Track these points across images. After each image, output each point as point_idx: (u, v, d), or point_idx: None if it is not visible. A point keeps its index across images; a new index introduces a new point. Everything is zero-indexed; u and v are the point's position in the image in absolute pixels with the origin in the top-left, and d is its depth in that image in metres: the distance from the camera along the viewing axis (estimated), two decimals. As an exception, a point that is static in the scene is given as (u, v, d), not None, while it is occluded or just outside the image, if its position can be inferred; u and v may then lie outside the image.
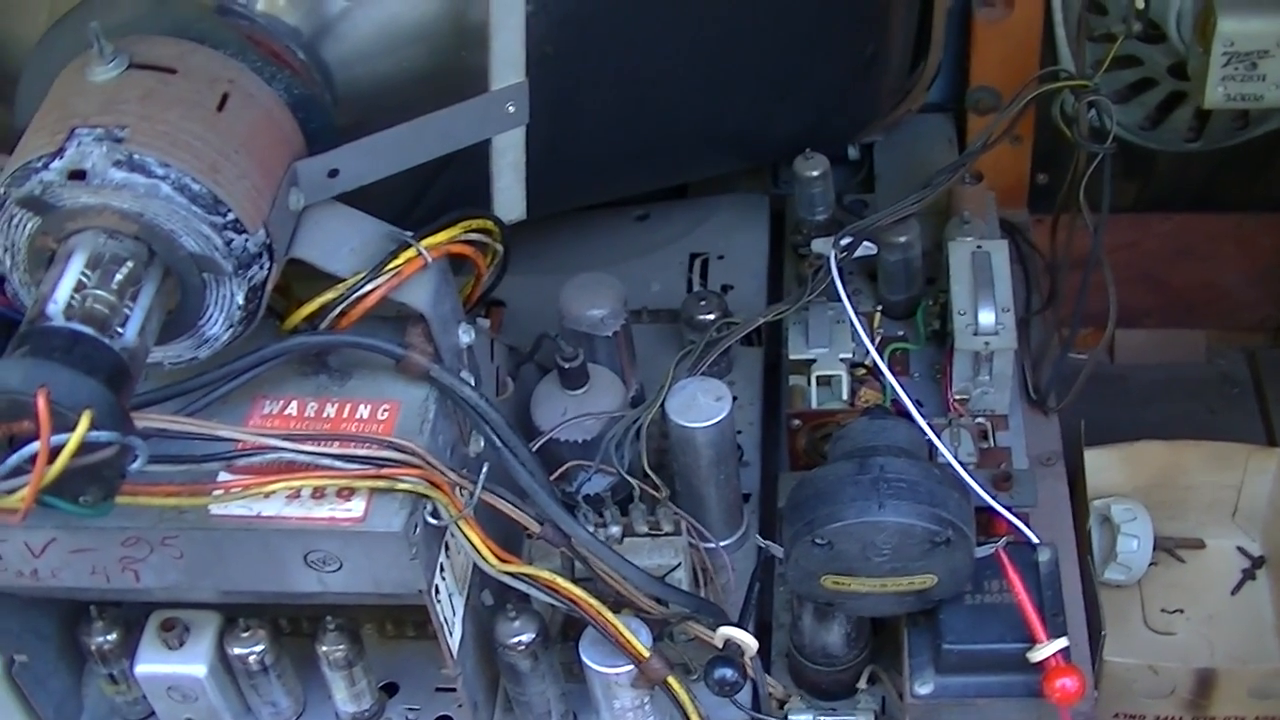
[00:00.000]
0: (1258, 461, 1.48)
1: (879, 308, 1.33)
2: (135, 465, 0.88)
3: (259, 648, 1.12)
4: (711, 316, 1.30)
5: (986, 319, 1.23)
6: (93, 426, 0.83)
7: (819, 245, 1.27)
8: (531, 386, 1.23)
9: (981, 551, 1.06)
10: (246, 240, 0.94)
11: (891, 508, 1.02)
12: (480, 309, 1.19)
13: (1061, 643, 1.04)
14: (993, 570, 1.08)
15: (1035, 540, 1.11)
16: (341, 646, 1.12)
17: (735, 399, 1.31)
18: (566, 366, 1.18)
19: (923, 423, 1.14)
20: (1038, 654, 1.04)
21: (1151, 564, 1.48)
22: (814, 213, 1.36)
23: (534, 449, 1.13)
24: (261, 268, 0.96)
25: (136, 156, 0.91)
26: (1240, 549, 1.52)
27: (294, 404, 1.04)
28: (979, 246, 1.27)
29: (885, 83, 1.44)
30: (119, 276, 0.91)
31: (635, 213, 1.52)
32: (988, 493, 1.12)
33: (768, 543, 1.09)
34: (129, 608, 1.14)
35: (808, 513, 1.03)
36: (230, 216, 0.93)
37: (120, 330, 0.90)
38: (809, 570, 1.05)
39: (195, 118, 0.95)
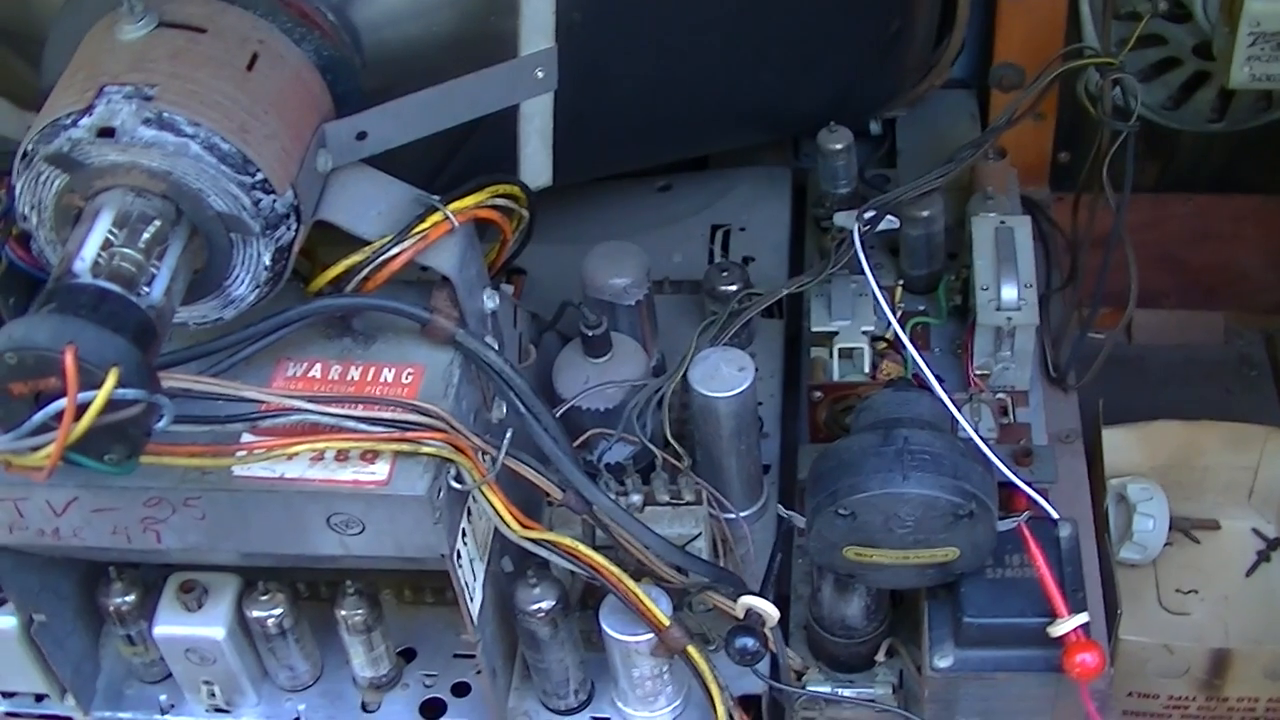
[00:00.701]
0: (1275, 443, 1.48)
1: (900, 282, 1.33)
2: (161, 424, 0.88)
3: (278, 611, 1.12)
4: (734, 288, 1.30)
5: (1009, 294, 1.22)
6: (120, 384, 0.83)
7: (842, 218, 1.27)
8: (553, 355, 1.23)
9: (1003, 526, 1.05)
10: (274, 201, 0.94)
11: (915, 479, 1.01)
12: (502, 276, 1.20)
13: (1082, 618, 1.04)
14: (1013, 545, 1.07)
15: (1056, 516, 1.11)
16: (360, 611, 1.12)
17: (756, 370, 1.31)
18: (590, 334, 1.18)
19: (944, 396, 1.13)
20: (1059, 628, 1.04)
21: (1167, 544, 1.47)
22: (837, 186, 1.35)
23: (558, 415, 1.13)
24: (289, 229, 0.96)
25: (166, 115, 0.91)
26: (1255, 530, 1.52)
27: (318, 366, 1.04)
28: (1002, 222, 1.26)
29: (909, 58, 1.43)
30: (146, 235, 0.91)
31: (657, 183, 1.52)
32: (1009, 468, 1.12)
33: (790, 513, 1.09)
34: (147, 569, 1.15)
35: (831, 483, 1.03)
36: (259, 176, 0.93)
37: (147, 289, 0.90)
38: (831, 541, 1.05)
39: (225, 77, 0.94)
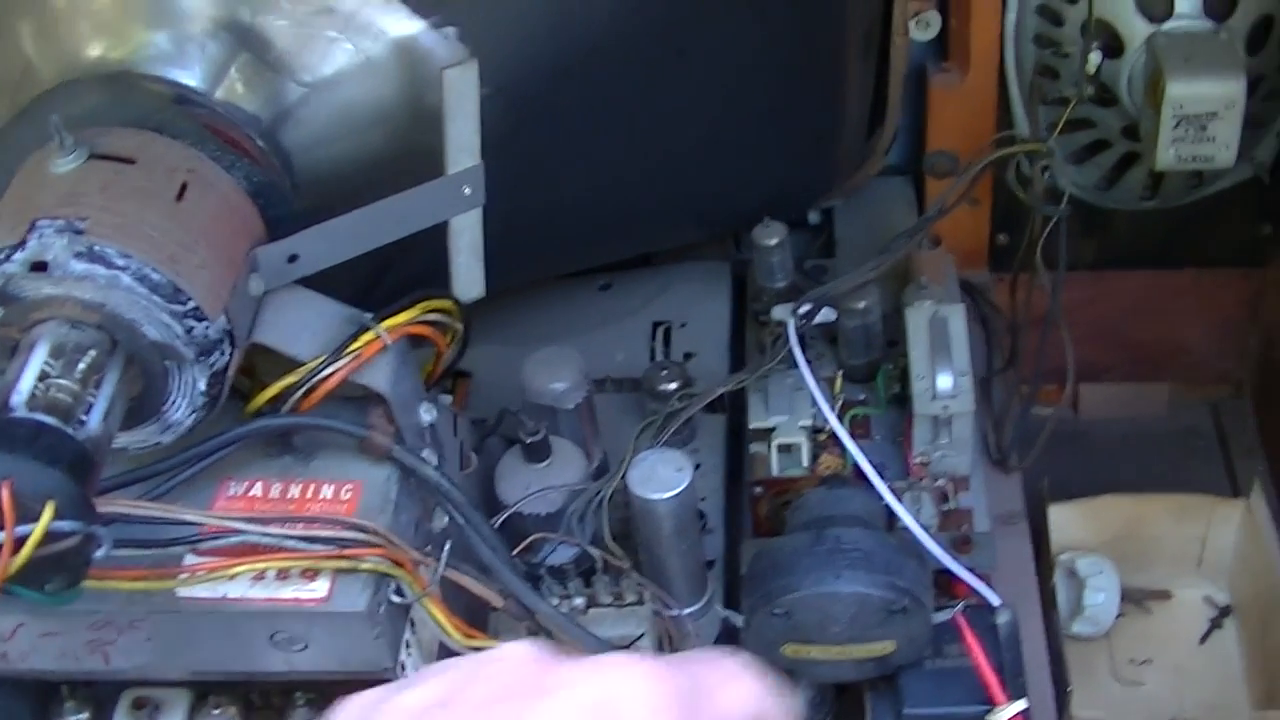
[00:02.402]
0: (1222, 512, 1.50)
1: (840, 372, 1.34)
2: (100, 554, 0.89)
3: (229, 725, 1.13)
4: (673, 386, 1.31)
5: (944, 383, 1.24)
6: (56, 517, 0.84)
7: (779, 313, 1.29)
8: (496, 456, 1.24)
9: (939, 617, 1.07)
10: (207, 328, 0.95)
11: (848, 578, 1.03)
12: (447, 381, 1.21)
13: (1020, 705, 1.05)
14: (952, 634, 1.09)
15: (996, 602, 1.12)
16: (311, 724, 1.13)
17: (698, 466, 1.33)
18: (529, 441, 1.19)
19: (883, 488, 1.15)
20: (997, 717, 1.05)
21: (1119, 615, 1.49)
22: (774, 280, 1.36)
23: (499, 522, 1.15)
24: (223, 354, 0.97)
25: (97, 248, 0.92)
26: (1207, 599, 1.54)
27: (259, 485, 1.05)
28: (936, 311, 1.28)
29: (843, 150, 1.46)
30: (82, 365, 0.92)
31: (599, 282, 1.53)
32: (948, 555, 1.13)
33: (729, 612, 1.11)
34: (100, 687, 1.15)
35: (765, 584, 1.05)
36: (190, 305, 0.94)
37: (84, 419, 0.91)
38: (769, 639, 1.06)
39: (154, 208, 0.96)
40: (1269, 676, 1.43)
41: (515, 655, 0.61)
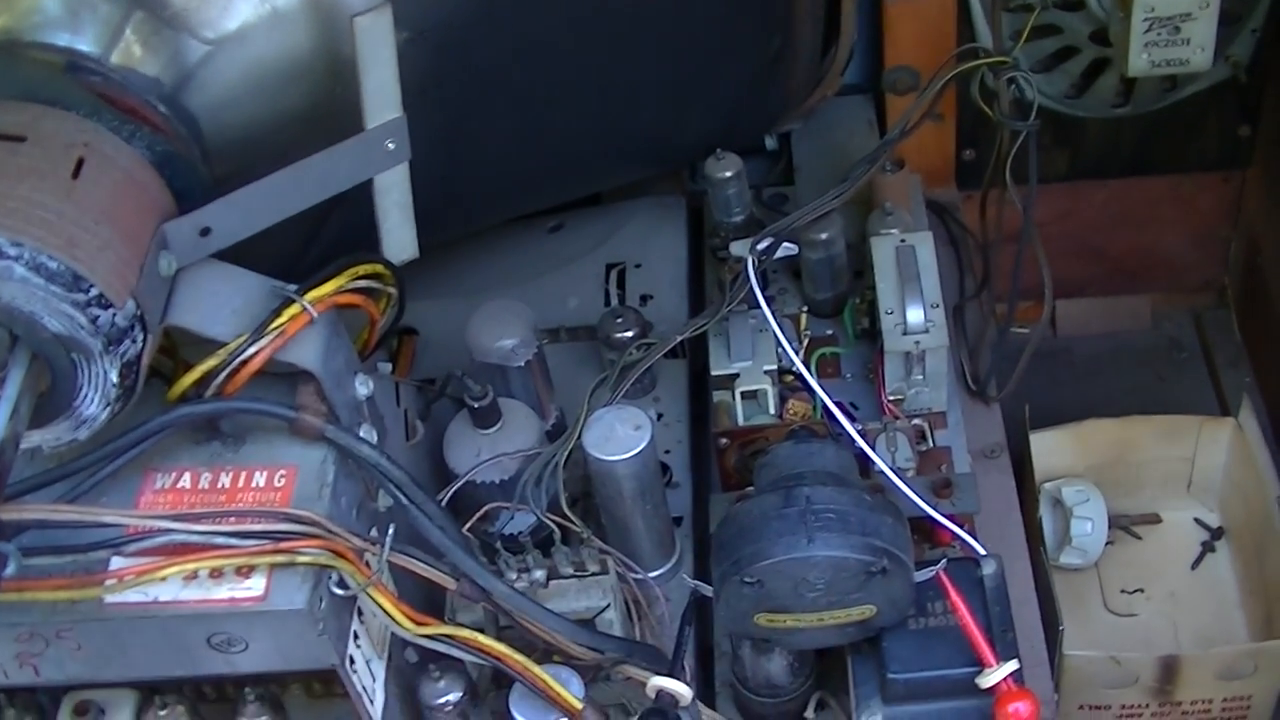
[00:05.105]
0: (1209, 431, 1.45)
1: (805, 308, 1.28)
2: (9, 571, 0.83)
3: (178, 725, 1.07)
4: (629, 334, 1.23)
5: (915, 317, 1.17)
6: (-45, 536, 0.78)
7: (737, 249, 1.22)
8: (446, 421, 1.17)
9: (921, 576, 1.01)
10: (114, 315, 0.88)
11: (821, 541, 0.96)
12: (390, 342, 1.14)
13: (1011, 666, 0.98)
14: (936, 591, 1.02)
15: (980, 552, 1.06)
16: (263, 719, 1.07)
17: (661, 416, 1.26)
18: (476, 406, 1.12)
19: (856, 435, 1.09)
20: (987, 679, 0.99)
21: (1108, 543, 1.45)
22: (730, 214, 1.30)
23: (449, 494, 1.08)
24: (134, 342, 0.90)
25: (-15, 237, 0.85)
26: (1198, 520, 1.49)
27: (187, 475, 0.98)
28: (903, 240, 1.21)
29: (796, 73, 1.38)
30: (-21, 365, 0.85)
31: (548, 224, 1.45)
32: (928, 503, 1.07)
33: (696, 583, 1.04)
34: (42, 691, 1.09)
35: (734, 551, 0.98)
36: (94, 292, 0.87)
37: (-14, 423, 0.84)
38: (741, 610, 1.00)
39: (48, 189, 0.88)
40: (1266, 602, 1.37)
41: None
